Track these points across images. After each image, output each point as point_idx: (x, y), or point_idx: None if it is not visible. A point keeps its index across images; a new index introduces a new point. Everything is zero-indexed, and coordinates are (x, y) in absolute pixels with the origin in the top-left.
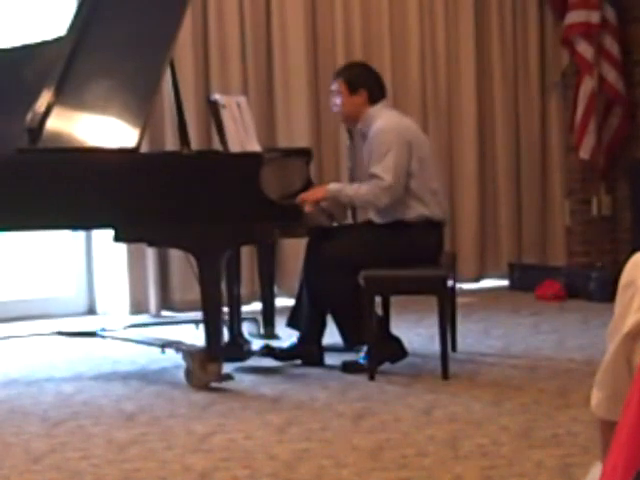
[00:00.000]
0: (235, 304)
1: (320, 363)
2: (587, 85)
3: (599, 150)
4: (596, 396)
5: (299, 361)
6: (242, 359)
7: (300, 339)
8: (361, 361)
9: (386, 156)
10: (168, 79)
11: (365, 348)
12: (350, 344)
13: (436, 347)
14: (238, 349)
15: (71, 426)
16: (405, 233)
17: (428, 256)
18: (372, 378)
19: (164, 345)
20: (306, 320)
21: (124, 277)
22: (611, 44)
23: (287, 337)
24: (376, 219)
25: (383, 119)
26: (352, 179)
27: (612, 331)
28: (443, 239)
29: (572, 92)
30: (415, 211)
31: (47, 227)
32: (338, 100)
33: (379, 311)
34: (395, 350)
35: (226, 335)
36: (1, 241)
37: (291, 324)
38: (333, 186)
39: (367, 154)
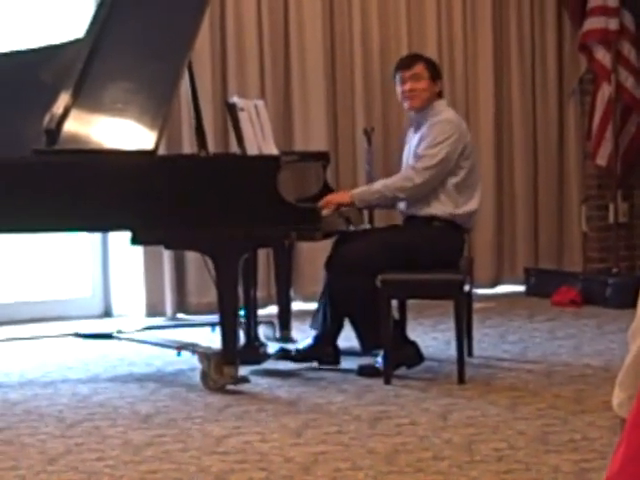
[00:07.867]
0: (251, 307)
1: (336, 362)
2: (604, 92)
3: (616, 157)
4: (618, 396)
5: (315, 363)
6: (258, 362)
7: (315, 339)
8: (377, 365)
9: (441, 144)
10: (186, 82)
11: (381, 352)
12: (366, 348)
13: (452, 352)
14: (254, 352)
15: (87, 427)
16: (427, 235)
17: (449, 259)
18: (388, 382)
19: (180, 347)
20: (324, 320)
21: (140, 279)
22: (629, 51)
23: (303, 340)
24: (406, 210)
25: (451, 113)
26: (369, 182)
27: (634, 332)
28: (465, 243)
29: (589, 99)
30: (445, 208)
31: (64, 229)
32: (420, 84)
33: (396, 315)
34: (411, 355)
35: (242, 338)
36: (19, 242)
37: (314, 326)
38: (356, 190)
39: (418, 140)
